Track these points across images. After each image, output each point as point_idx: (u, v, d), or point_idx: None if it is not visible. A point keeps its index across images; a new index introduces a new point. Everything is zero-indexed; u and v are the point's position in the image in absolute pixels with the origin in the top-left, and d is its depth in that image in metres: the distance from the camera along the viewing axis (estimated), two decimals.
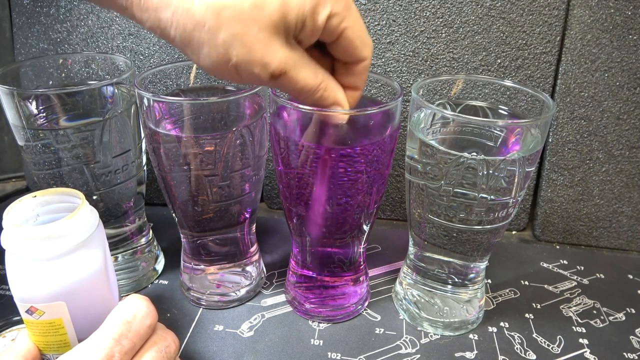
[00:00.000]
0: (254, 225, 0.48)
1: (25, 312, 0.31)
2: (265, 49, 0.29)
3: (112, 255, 0.46)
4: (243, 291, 0.48)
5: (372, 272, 0.53)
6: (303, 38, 0.31)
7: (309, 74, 0.32)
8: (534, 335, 0.46)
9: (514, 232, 0.63)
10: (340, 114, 0.35)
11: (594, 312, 0.49)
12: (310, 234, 0.43)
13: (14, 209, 0.32)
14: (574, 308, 0.49)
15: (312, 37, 0.31)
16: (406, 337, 0.45)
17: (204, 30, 0.28)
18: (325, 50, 0.34)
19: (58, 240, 0.31)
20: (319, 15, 0.30)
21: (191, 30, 0.28)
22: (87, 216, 0.32)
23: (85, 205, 0.33)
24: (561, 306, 0.50)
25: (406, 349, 0.44)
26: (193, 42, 0.29)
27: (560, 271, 0.55)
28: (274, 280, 0.52)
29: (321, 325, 0.46)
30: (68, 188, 0.34)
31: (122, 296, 0.42)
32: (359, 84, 0.35)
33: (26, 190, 0.67)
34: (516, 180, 0.38)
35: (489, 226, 0.40)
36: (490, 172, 0.37)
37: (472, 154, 0.37)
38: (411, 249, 0.47)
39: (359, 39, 0.32)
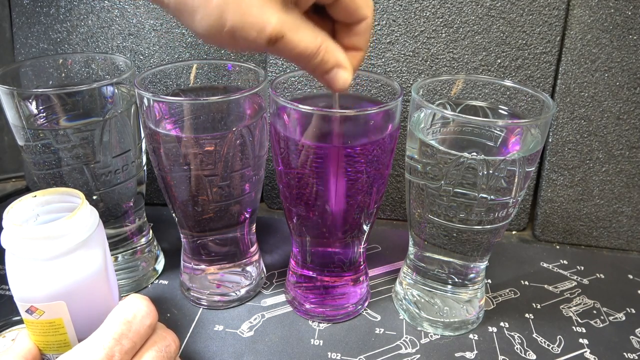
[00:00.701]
0: (254, 225, 0.48)
1: (25, 311, 0.31)
2: (260, 12, 0.28)
3: (112, 255, 0.46)
4: (243, 291, 0.48)
5: (372, 272, 0.53)
6: None
7: (308, 36, 0.30)
8: (534, 335, 0.46)
9: (514, 232, 0.63)
10: (343, 88, 0.33)
11: (594, 312, 0.49)
12: (335, 215, 0.42)
13: (14, 209, 0.32)
14: (574, 308, 0.49)
15: None
16: (406, 337, 0.45)
17: None
18: (324, 14, 0.33)
19: (58, 240, 0.31)
20: None
21: None
22: (87, 216, 0.32)
23: (85, 205, 0.33)
24: (561, 306, 0.50)
25: (406, 349, 0.44)
26: (187, 7, 0.28)
27: (560, 271, 0.55)
28: (274, 280, 0.52)
29: (321, 325, 0.46)
30: (68, 188, 0.34)
31: (122, 296, 0.42)
32: (362, 44, 0.34)
33: (26, 190, 0.67)
34: (516, 180, 0.38)
35: (489, 226, 0.40)
36: (490, 172, 0.37)
37: (472, 154, 0.37)
38: (411, 249, 0.47)
39: None
